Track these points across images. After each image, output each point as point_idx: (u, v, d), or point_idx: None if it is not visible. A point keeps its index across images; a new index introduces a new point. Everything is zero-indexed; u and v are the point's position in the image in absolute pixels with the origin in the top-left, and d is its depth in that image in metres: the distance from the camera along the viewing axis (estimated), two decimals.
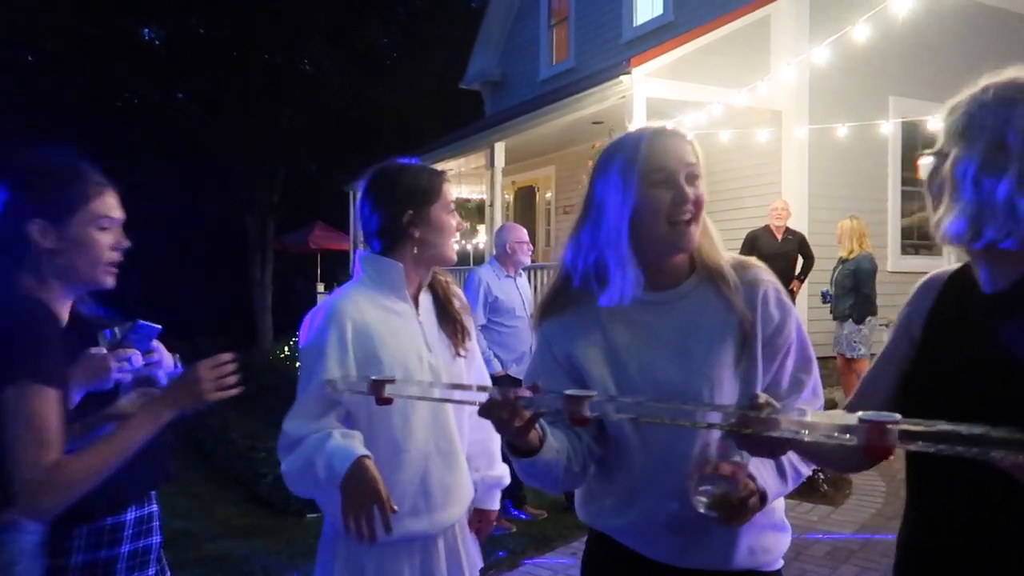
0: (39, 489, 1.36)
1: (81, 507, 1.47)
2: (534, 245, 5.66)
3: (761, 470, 1.31)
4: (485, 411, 1.21)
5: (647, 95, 7.28)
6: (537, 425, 1.29)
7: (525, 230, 4.91)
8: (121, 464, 1.45)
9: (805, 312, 7.86)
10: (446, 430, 1.78)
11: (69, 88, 16.13)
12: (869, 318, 6.67)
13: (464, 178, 12.34)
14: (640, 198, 1.35)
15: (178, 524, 4.68)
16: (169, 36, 17.22)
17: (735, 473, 1.20)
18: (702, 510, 1.20)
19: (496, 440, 1.95)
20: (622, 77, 7.20)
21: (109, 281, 1.58)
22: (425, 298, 1.87)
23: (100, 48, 15.56)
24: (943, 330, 1.23)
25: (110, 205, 1.57)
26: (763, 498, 1.27)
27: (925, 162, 1.19)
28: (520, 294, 4.75)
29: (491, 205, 9.98)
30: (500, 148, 9.61)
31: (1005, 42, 8.63)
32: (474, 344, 1.97)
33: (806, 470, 1.43)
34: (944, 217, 1.16)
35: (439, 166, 12.12)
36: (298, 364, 1.82)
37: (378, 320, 1.74)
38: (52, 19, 15.00)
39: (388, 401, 1.35)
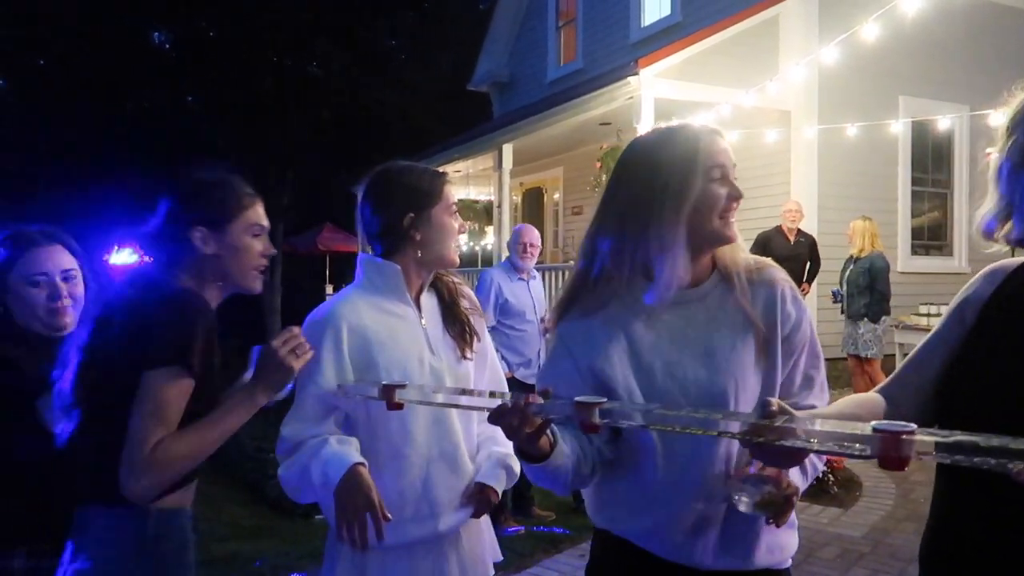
0: (139, 467, 1.44)
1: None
2: (542, 246, 5.66)
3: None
4: (495, 417, 1.20)
5: (655, 96, 7.26)
6: (548, 430, 1.28)
7: (537, 232, 4.88)
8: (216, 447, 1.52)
9: (815, 313, 7.83)
10: (449, 434, 1.76)
11: (78, 92, 16.21)
12: (884, 317, 6.59)
13: (472, 179, 12.35)
14: (701, 192, 1.36)
15: None
16: (178, 39, 17.29)
17: (779, 474, 1.21)
18: (746, 510, 1.22)
19: None
20: (630, 78, 7.19)
21: (258, 285, 1.71)
22: (429, 300, 1.84)
23: (109, 51, 15.64)
24: (997, 320, 1.21)
25: (260, 214, 1.71)
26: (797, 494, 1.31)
27: (993, 158, 1.19)
28: (532, 297, 4.71)
29: (499, 206, 9.98)
30: (508, 149, 9.61)
31: (1016, 41, 8.58)
32: (485, 345, 1.93)
33: (821, 465, 1.46)
34: (981, 211, 1.17)
35: (447, 167, 12.15)
36: None
37: (376, 323, 1.72)
38: (61, 22, 15.08)
39: (399, 406, 1.35)
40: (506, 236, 7.70)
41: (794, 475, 1.35)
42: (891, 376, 1.34)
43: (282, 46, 15.59)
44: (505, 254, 5.29)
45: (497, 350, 4.54)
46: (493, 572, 1.93)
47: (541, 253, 4.88)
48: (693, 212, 1.35)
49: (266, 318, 16.40)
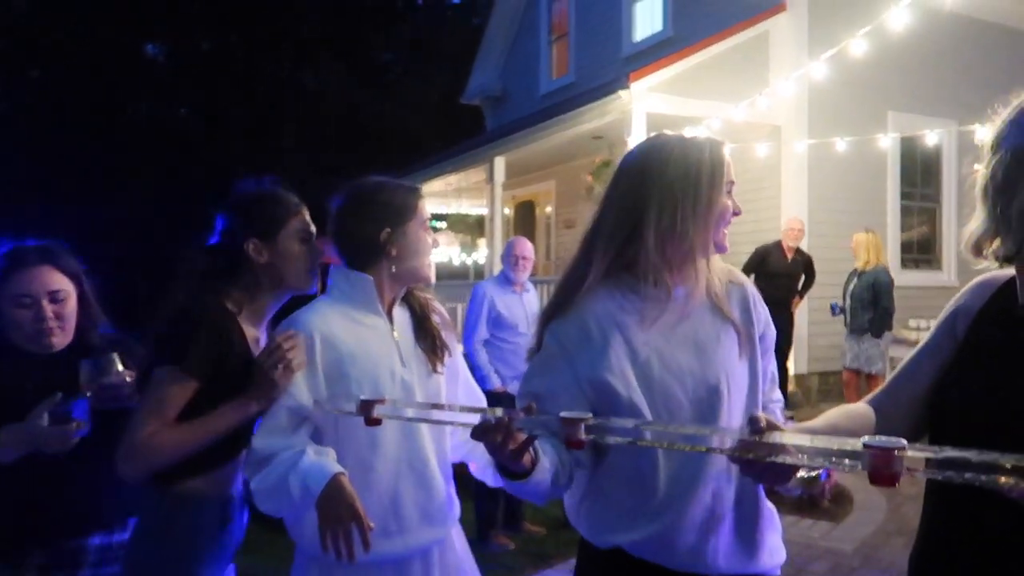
0: (130, 451, 1.59)
1: (39, 525, 1.68)
2: (535, 259, 5.66)
3: None
4: (479, 434, 1.18)
5: (646, 110, 7.29)
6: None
7: (531, 245, 4.87)
8: (175, 458, 1.63)
9: (808, 325, 7.84)
10: (419, 449, 1.74)
11: (73, 104, 16.19)
12: (886, 332, 6.57)
13: (464, 192, 12.36)
14: (716, 205, 1.42)
15: None
16: (173, 52, 17.32)
17: None
18: (793, 485, 1.23)
19: None
20: (621, 92, 7.22)
21: (312, 285, 1.86)
22: (401, 313, 1.84)
23: (104, 63, 15.64)
24: (986, 334, 1.21)
25: (306, 220, 1.86)
26: None
27: (980, 175, 1.20)
28: (525, 310, 4.70)
29: (491, 219, 9.99)
30: (500, 162, 9.63)
31: (1002, 57, 8.68)
32: (458, 362, 1.93)
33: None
34: (970, 227, 1.18)
35: (439, 180, 12.10)
36: None
37: (347, 334, 1.71)
38: (56, 34, 15.08)
39: (378, 422, 1.33)
40: (498, 249, 7.71)
41: None
42: (881, 387, 1.34)
43: (279, 59, 15.64)
44: (497, 267, 5.28)
45: (491, 363, 4.58)
46: None
47: (533, 266, 4.87)
48: (711, 221, 1.43)
49: None
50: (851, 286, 6.72)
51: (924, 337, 1.33)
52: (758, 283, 7.10)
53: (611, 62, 10.86)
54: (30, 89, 16.98)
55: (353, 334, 1.72)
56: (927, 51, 8.24)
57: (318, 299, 1.80)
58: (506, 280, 4.72)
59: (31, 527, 1.79)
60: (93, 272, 2.00)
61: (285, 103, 15.77)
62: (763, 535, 1.43)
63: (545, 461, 1.32)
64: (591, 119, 7.88)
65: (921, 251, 9.18)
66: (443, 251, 15.21)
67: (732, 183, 1.46)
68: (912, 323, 7.48)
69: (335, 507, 1.53)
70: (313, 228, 1.87)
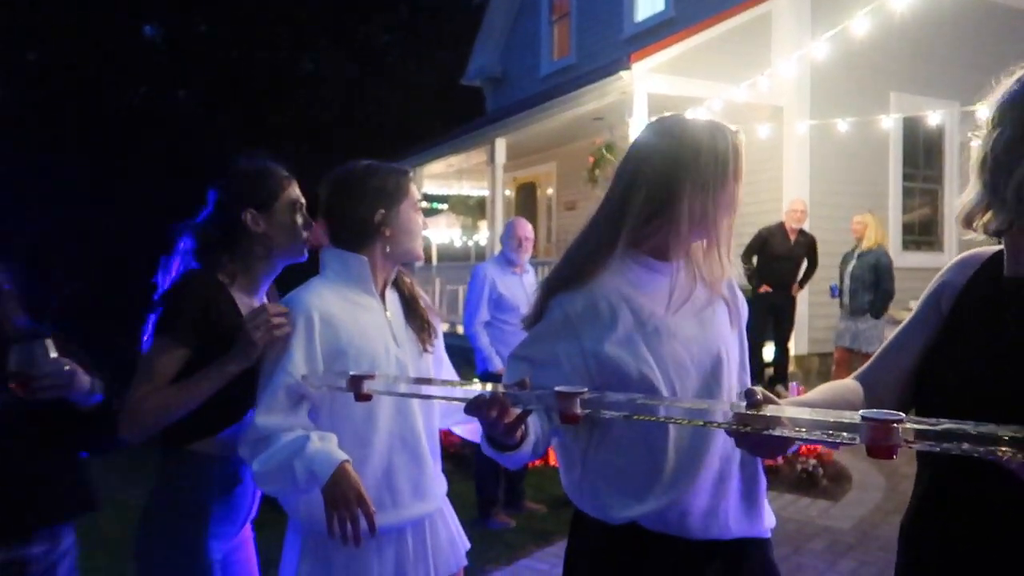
0: (123, 415, 1.68)
1: None
2: (536, 241, 5.65)
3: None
4: (473, 408, 1.17)
5: (648, 91, 7.26)
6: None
7: (531, 226, 4.86)
8: (153, 427, 1.70)
9: (809, 308, 7.84)
10: (411, 424, 1.79)
11: (70, 89, 16.10)
12: (885, 313, 6.57)
13: (465, 174, 12.34)
14: (737, 194, 1.48)
15: None
16: (170, 35, 17.21)
17: None
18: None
19: None
20: (622, 73, 7.19)
21: (304, 254, 1.91)
22: (392, 295, 1.90)
23: (101, 47, 15.54)
24: (970, 308, 1.22)
25: (297, 193, 1.91)
26: None
27: (976, 148, 1.20)
28: (525, 292, 4.69)
29: (492, 201, 9.97)
30: (501, 144, 9.59)
31: (1005, 37, 8.61)
32: (439, 345, 1.99)
33: None
34: (963, 199, 1.19)
35: (440, 162, 12.07)
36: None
37: (344, 313, 1.75)
38: (52, 17, 14.97)
39: (368, 397, 1.34)
40: (499, 231, 7.70)
41: None
42: (868, 363, 1.35)
43: (276, 43, 15.54)
44: (498, 249, 5.28)
45: (492, 345, 4.58)
46: (465, 562, 1.94)
47: (534, 248, 4.86)
48: (731, 209, 1.48)
49: None
50: (850, 266, 6.71)
51: None
52: (761, 265, 7.09)
53: (612, 43, 10.79)
54: (28, 72, 16.91)
55: (349, 313, 1.76)
56: (930, 31, 8.18)
57: (313, 279, 1.83)
58: (506, 261, 4.71)
59: None
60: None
61: (283, 85, 15.69)
62: (762, 497, 1.48)
63: (531, 435, 1.33)
64: (592, 100, 7.85)
65: (922, 232, 9.17)
66: (444, 233, 15.20)
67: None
68: (912, 304, 7.46)
69: (342, 493, 1.59)
70: (303, 200, 1.92)
